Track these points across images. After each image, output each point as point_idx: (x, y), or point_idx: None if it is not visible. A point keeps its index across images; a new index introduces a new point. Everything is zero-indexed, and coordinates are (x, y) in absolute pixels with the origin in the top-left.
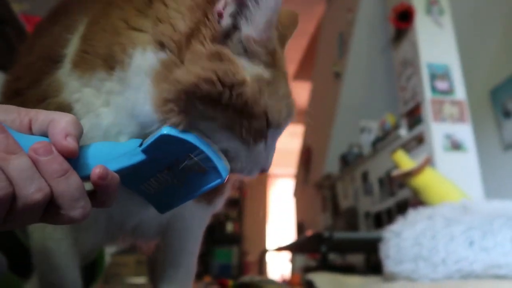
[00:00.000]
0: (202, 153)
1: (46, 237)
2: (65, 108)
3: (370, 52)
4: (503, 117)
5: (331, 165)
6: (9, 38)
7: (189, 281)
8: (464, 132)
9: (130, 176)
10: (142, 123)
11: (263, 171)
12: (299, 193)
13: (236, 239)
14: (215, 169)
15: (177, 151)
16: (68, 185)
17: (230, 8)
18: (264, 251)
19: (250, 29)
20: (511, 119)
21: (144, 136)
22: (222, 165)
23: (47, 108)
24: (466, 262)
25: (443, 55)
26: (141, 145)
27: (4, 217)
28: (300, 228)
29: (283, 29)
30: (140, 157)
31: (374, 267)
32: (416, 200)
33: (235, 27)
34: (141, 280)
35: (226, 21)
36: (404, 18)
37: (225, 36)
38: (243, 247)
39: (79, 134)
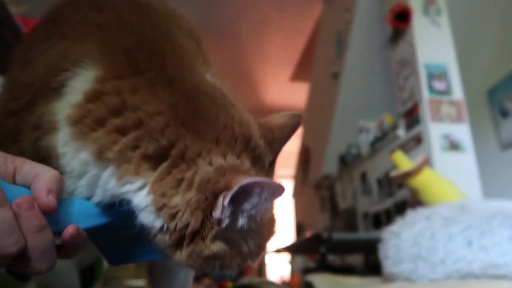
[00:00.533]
0: None
1: None
2: (54, 155)
3: (367, 52)
4: (500, 117)
5: (330, 166)
6: (7, 40)
7: (188, 283)
8: (462, 132)
9: (96, 232)
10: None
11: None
12: (298, 194)
13: None
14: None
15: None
16: (42, 241)
17: (228, 211)
18: (263, 253)
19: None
20: (508, 119)
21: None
22: None
23: (39, 139)
24: (465, 262)
25: (440, 55)
26: (112, 206)
27: None
28: (299, 228)
29: (279, 132)
30: (109, 218)
31: (373, 267)
32: (414, 200)
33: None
34: (140, 282)
35: (225, 221)
36: (401, 18)
37: (222, 233)
38: None
39: (61, 190)
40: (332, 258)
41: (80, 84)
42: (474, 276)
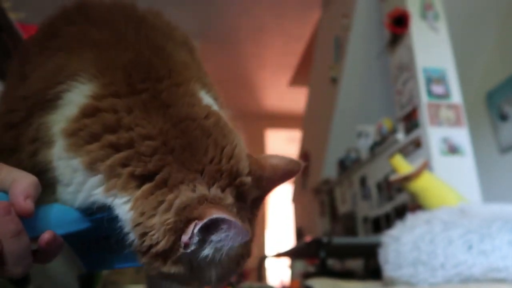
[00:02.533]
0: None
1: None
2: (50, 168)
3: (366, 57)
4: (499, 120)
5: (329, 170)
6: (7, 47)
7: None
8: (461, 135)
9: (74, 237)
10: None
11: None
12: (298, 198)
13: None
14: None
15: (117, 227)
16: (18, 245)
17: (195, 239)
18: (263, 257)
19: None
20: (507, 122)
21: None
22: None
23: (36, 152)
24: (465, 266)
25: (438, 59)
26: (91, 213)
27: None
28: (299, 233)
29: (270, 172)
30: (87, 225)
31: (373, 272)
32: (414, 205)
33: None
34: None
35: (191, 247)
36: (399, 23)
37: (186, 257)
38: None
39: (37, 196)
40: (332, 262)
41: (76, 98)
42: (474, 280)
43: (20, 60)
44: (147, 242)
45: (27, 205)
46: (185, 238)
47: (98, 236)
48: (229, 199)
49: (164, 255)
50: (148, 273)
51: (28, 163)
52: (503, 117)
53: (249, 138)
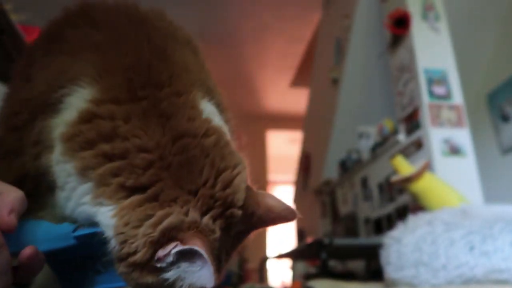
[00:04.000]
0: None
1: None
2: (50, 172)
3: (367, 58)
4: (500, 121)
5: (330, 171)
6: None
7: None
8: (462, 136)
9: (58, 257)
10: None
11: None
12: (299, 199)
13: None
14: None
15: (103, 248)
16: None
17: (169, 258)
18: (265, 259)
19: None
20: (508, 123)
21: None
22: None
23: (38, 155)
24: (467, 267)
25: (439, 60)
26: (75, 230)
27: None
28: (300, 234)
29: (263, 211)
30: (71, 242)
31: (374, 273)
32: (415, 206)
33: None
34: None
35: (162, 264)
36: (400, 24)
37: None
38: (243, 255)
39: (22, 211)
40: (333, 263)
41: (76, 102)
42: (476, 281)
43: (25, 63)
44: (125, 250)
45: (11, 220)
46: (161, 253)
47: (82, 254)
48: (217, 232)
49: (141, 266)
50: (127, 283)
51: (31, 166)
52: (505, 118)
53: (250, 139)
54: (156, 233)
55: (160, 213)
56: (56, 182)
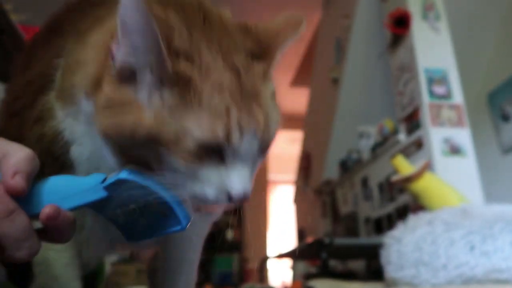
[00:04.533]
0: (162, 198)
1: (47, 247)
2: (58, 135)
3: (367, 58)
4: (501, 121)
5: (331, 171)
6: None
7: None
8: (463, 136)
9: (95, 206)
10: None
11: (234, 199)
12: (299, 199)
13: (236, 247)
14: (175, 216)
15: (138, 193)
16: (13, 227)
17: (118, 47)
18: (265, 258)
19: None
20: (509, 123)
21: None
22: (182, 213)
23: (43, 130)
24: (467, 267)
25: (440, 60)
26: (104, 180)
27: None
28: (301, 234)
29: (269, 37)
30: (101, 194)
31: (375, 273)
32: (416, 205)
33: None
34: None
35: (120, 60)
36: (400, 23)
37: (124, 76)
38: (243, 255)
39: (32, 171)
40: (333, 263)
41: (61, 66)
42: (476, 281)
43: (25, 55)
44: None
45: (16, 182)
46: (114, 49)
47: (123, 203)
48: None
49: (104, 79)
50: (105, 126)
51: (35, 148)
52: (505, 118)
53: None
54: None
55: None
56: (70, 138)
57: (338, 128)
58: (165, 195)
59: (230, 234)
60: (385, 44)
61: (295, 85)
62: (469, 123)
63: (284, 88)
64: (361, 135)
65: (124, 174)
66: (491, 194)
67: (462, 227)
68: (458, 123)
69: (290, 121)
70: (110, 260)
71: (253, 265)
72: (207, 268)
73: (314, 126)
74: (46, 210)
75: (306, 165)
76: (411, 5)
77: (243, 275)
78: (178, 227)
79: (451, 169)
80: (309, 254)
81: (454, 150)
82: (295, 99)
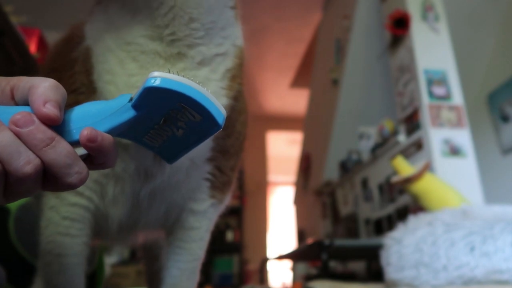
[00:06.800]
0: (193, 100)
1: (61, 232)
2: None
3: (367, 59)
4: (501, 121)
5: (331, 172)
6: (8, 51)
7: (192, 286)
8: (463, 137)
9: (129, 131)
10: None
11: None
12: (299, 200)
13: (236, 248)
14: (210, 116)
15: (168, 101)
16: (57, 154)
17: None
18: (265, 260)
19: None
20: (509, 123)
21: None
22: (216, 110)
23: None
24: (468, 268)
25: (439, 61)
26: (131, 99)
27: (3, 193)
28: (301, 235)
29: None
30: (131, 113)
31: (375, 274)
32: (416, 206)
33: None
34: None
35: None
36: (400, 24)
37: None
38: (243, 256)
39: (61, 99)
40: (334, 264)
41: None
42: (477, 282)
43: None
44: None
45: (48, 110)
46: None
47: (155, 122)
48: None
49: None
50: None
51: None
52: (505, 118)
53: (250, 140)
54: None
55: None
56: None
57: (338, 129)
58: (194, 95)
59: (230, 236)
60: (384, 45)
61: (295, 86)
62: (469, 124)
63: (284, 89)
64: (361, 136)
65: (148, 82)
66: (491, 194)
67: (462, 228)
68: (458, 124)
69: (290, 122)
70: (109, 261)
71: (253, 266)
72: (207, 269)
73: (314, 127)
74: (84, 132)
75: (306, 166)
76: (410, 6)
77: (243, 277)
78: (215, 128)
79: (451, 170)
80: (309, 255)
81: (454, 151)
82: (295, 100)
